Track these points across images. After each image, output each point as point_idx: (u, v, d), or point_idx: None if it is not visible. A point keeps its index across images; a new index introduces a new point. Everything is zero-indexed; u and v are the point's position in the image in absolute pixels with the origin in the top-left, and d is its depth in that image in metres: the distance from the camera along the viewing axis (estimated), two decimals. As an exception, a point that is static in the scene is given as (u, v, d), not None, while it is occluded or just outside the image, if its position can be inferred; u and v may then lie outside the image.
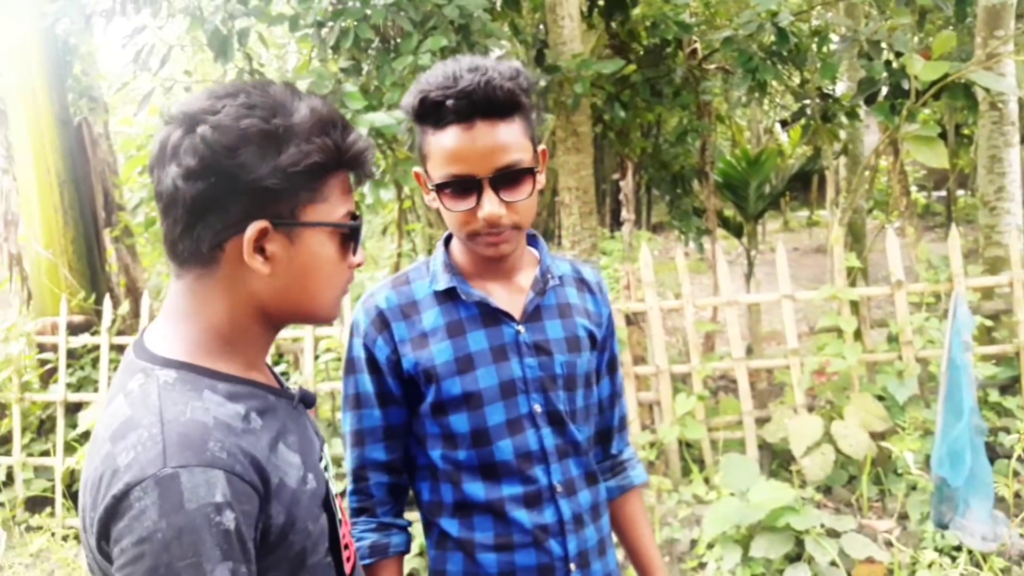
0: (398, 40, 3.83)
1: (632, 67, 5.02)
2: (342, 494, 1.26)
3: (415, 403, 1.34)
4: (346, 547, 1.09)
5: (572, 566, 1.32)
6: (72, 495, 4.46)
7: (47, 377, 4.86)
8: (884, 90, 4.01)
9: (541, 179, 1.26)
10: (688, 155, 6.11)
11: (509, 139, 1.19)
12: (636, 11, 4.68)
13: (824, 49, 4.22)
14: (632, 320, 4.36)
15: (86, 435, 4.52)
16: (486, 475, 1.31)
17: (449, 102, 1.16)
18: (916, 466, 3.34)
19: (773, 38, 3.98)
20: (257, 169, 0.90)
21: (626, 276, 4.52)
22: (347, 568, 1.08)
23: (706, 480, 3.85)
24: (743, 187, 7.25)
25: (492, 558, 1.32)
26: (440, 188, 1.22)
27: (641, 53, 5.20)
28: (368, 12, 3.45)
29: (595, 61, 4.31)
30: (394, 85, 3.52)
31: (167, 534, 0.81)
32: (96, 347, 4.87)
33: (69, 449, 4.53)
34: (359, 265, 1.06)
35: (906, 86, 3.77)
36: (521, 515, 1.31)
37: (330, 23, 3.62)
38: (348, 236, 1.01)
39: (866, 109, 4.14)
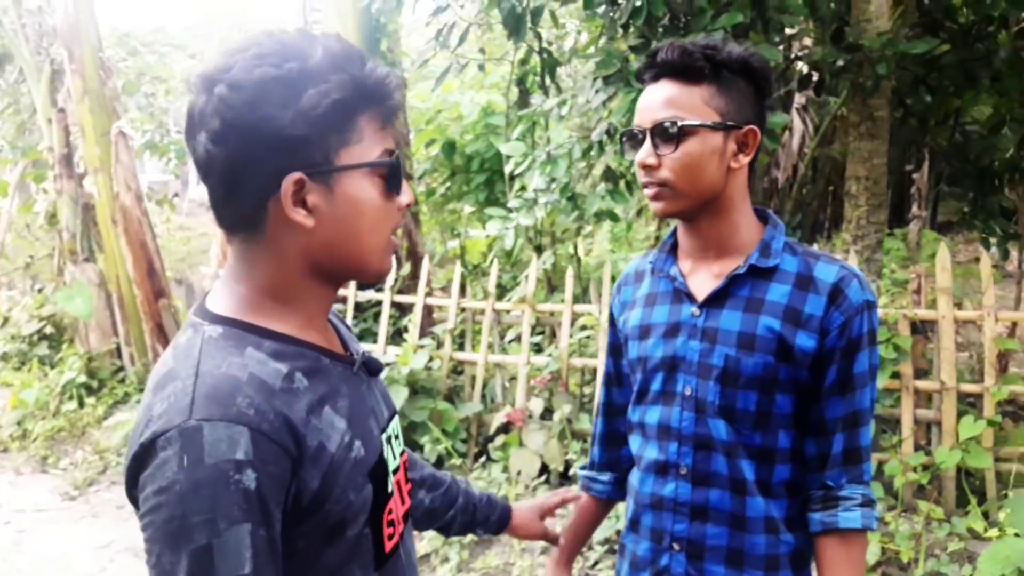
0: (688, 17, 3.74)
1: (945, 47, 4.50)
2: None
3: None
4: (391, 523, 1.04)
5: (676, 546, 1.38)
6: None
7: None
8: None
9: (713, 144, 1.27)
10: (1002, 148, 5.37)
11: (680, 99, 1.26)
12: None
13: None
14: (919, 328, 3.95)
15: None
16: (642, 432, 1.44)
17: (647, 61, 1.31)
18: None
19: None
20: (280, 119, 0.86)
21: (916, 279, 4.10)
22: (387, 545, 1.03)
23: (985, 515, 3.42)
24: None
25: (632, 507, 1.48)
26: (622, 139, 1.37)
27: (961, 32, 4.64)
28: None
29: (903, 40, 3.92)
30: (680, 64, 3.45)
31: (184, 487, 0.80)
32: (379, 302, 5.39)
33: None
34: (408, 206, 1.01)
35: None
36: (649, 479, 1.42)
37: (623, 1, 3.62)
38: (389, 175, 0.96)
39: None
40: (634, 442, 1.48)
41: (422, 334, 4.94)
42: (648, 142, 1.29)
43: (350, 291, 5.16)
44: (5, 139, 8.48)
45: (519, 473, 4.08)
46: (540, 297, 4.67)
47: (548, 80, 4.88)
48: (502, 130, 7.66)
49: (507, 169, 4.52)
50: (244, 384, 0.86)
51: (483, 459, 4.37)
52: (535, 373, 4.47)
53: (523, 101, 4.97)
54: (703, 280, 1.38)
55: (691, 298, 1.37)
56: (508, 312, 4.82)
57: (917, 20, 4.87)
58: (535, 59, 4.92)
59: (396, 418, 1.14)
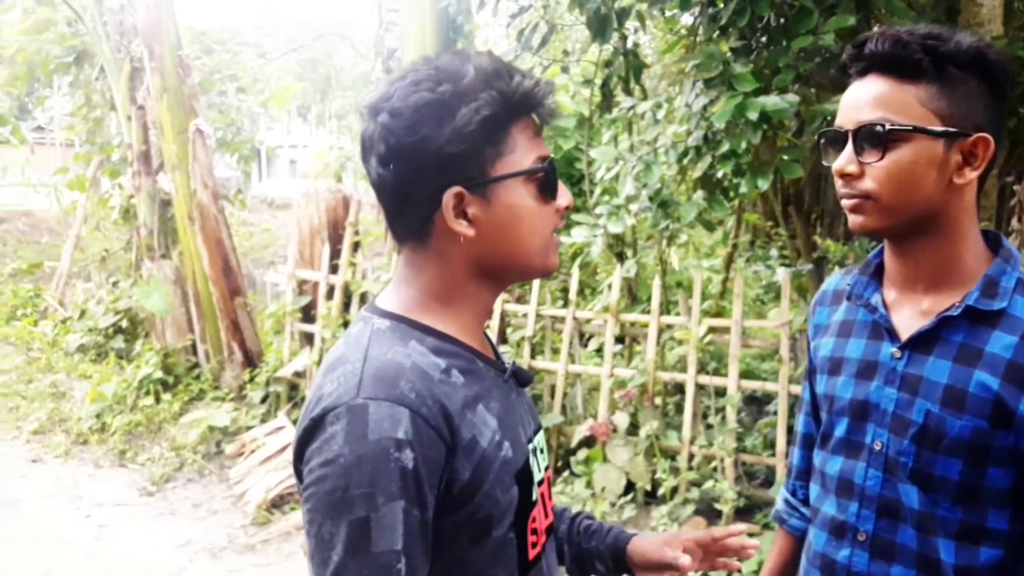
0: (789, 20, 3.56)
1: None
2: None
3: None
4: (534, 532, 1.06)
5: None
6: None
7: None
8: None
9: (931, 154, 1.08)
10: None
11: (892, 98, 1.09)
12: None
13: None
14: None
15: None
16: (821, 482, 1.29)
17: (853, 52, 1.14)
18: None
19: None
20: (437, 139, 0.93)
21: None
22: (531, 553, 1.05)
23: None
24: None
25: (805, 564, 1.32)
26: (819, 142, 1.21)
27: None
28: (770, -12, 3.23)
29: (1021, 46, 3.68)
30: (787, 67, 3.27)
31: (348, 459, 0.86)
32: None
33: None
34: (568, 208, 1.05)
35: None
36: (823, 537, 1.26)
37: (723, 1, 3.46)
38: (543, 181, 1.01)
39: None
40: (812, 490, 1.32)
41: (499, 341, 4.85)
42: (850, 146, 1.12)
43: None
44: (80, 135, 8.66)
45: (603, 489, 3.95)
46: (620, 306, 4.54)
47: (633, 82, 4.73)
48: (570, 133, 7.55)
49: (598, 174, 4.39)
50: (407, 370, 0.93)
51: (566, 473, 4.25)
52: (617, 386, 4.33)
53: (607, 104, 4.83)
54: (909, 316, 1.19)
55: (893, 335, 1.19)
56: (588, 321, 4.69)
57: (1027, 22, 4.59)
58: (620, 61, 4.77)
59: (542, 432, 1.16)
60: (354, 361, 0.94)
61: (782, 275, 4.16)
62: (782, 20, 3.55)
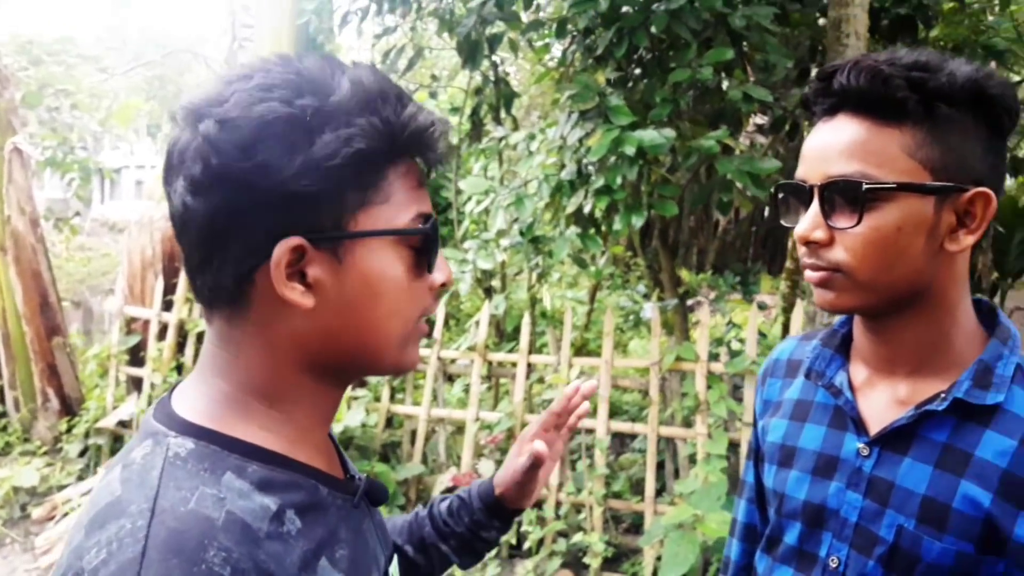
0: (669, 51, 3.46)
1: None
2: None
3: None
4: None
5: None
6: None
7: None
8: None
9: (919, 216, 0.86)
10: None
11: (870, 146, 0.86)
12: (934, 32, 4.06)
13: None
14: None
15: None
16: None
17: (819, 86, 0.91)
18: None
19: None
20: (282, 169, 0.66)
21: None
22: None
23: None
24: (1003, 240, 6.35)
25: None
26: (775, 196, 0.97)
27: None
28: (648, 18, 3.11)
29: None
30: (664, 101, 3.16)
31: None
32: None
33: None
34: (444, 286, 0.79)
35: None
36: None
37: (601, 29, 3.32)
38: (421, 246, 0.75)
39: None
40: None
41: (356, 384, 4.47)
42: (816, 207, 0.89)
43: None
44: None
45: (469, 547, 3.65)
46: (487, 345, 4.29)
47: (504, 112, 4.54)
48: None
49: (467, 207, 4.14)
50: (219, 530, 0.63)
51: (427, 529, 3.91)
52: (483, 429, 4.06)
53: (476, 133, 4.62)
54: (881, 404, 0.97)
55: (859, 427, 0.97)
56: (453, 361, 4.41)
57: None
58: (490, 89, 4.59)
59: (396, 559, 0.90)
60: (135, 514, 0.63)
61: (651, 311, 4.05)
62: (658, 52, 3.46)
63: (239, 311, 0.72)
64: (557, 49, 4.96)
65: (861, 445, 0.96)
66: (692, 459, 3.61)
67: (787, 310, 5.52)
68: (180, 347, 4.77)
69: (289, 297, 0.69)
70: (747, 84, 3.30)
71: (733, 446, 3.54)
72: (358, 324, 0.73)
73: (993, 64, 4.10)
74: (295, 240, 0.68)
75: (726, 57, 3.06)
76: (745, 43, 3.50)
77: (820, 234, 0.89)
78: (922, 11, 4.31)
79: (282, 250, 0.68)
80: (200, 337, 4.73)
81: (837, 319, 1.07)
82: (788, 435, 1.05)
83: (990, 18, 4.30)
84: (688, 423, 3.64)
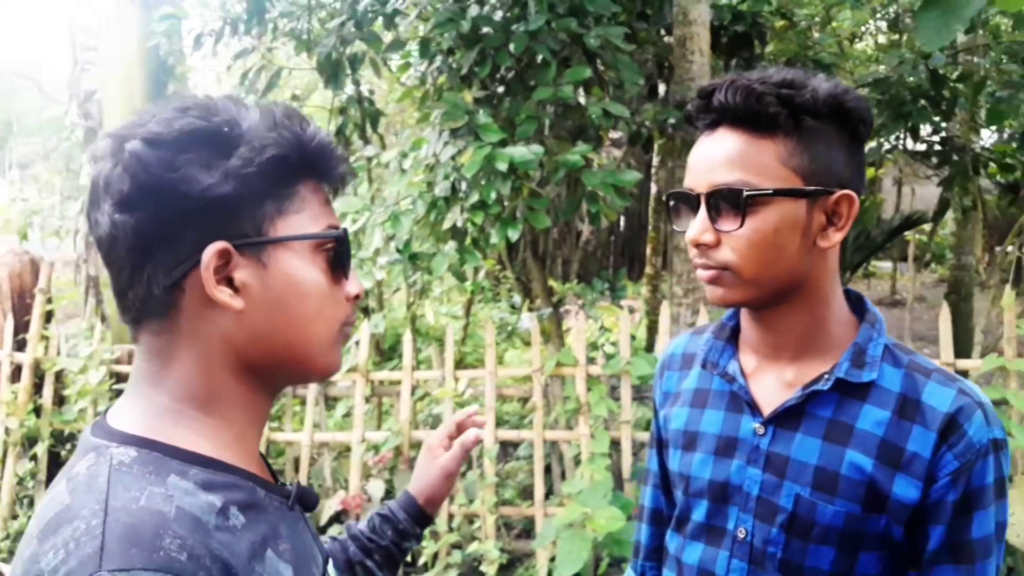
0: (526, 72, 3.61)
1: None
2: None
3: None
4: None
5: None
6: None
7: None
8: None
9: (794, 217, 0.98)
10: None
11: (748, 157, 0.97)
12: (769, 48, 4.43)
13: (980, 96, 3.91)
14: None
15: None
16: (677, 570, 1.16)
17: (700, 103, 1.02)
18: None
19: (923, 81, 3.69)
20: (203, 178, 0.73)
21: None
22: None
23: None
24: (841, 237, 6.93)
25: None
26: (667, 203, 1.09)
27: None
28: (509, 39, 3.23)
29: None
30: (529, 118, 3.29)
31: None
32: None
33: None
34: (357, 297, 0.86)
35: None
36: None
37: (464, 49, 3.41)
38: (335, 253, 0.82)
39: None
40: (668, 572, 1.18)
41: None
42: (703, 213, 0.99)
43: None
44: None
45: (364, 568, 3.62)
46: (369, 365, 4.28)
47: (371, 130, 4.56)
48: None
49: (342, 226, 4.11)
50: (171, 521, 0.67)
51: (319, 555, 3.85)
52: (370, 451, 4.05)
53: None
54: (771, 387, 1.08)
55: (754, 409, 1.08)
56: (334, 383, 4.36)
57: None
58: (355, 108, 4.59)
59: (331, 562, 0.94)
60: (88, 516, 0.66)
61: (529, 321, 4.17)
62: (518, 71, 3.59)
63: (169, 321, 0.76)
64: (418, 68, 5.02)
65: (757, 425, 1.07)
66: (577, 460, 3.75)
67: (650, 313, 5.84)
68: (37, 388, 4.47)
69: (219, 299, 0.74)
70: (605, 101, 3.49)
71: (615, 444, 3.71)
72: (286, 325, 0.78)
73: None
74: (221, 245, 0.74)
75: (585, 76, 3.23)
76: (599, 62, 3.69)
77: (708, 237, 0.99)
78: (757, 29, 4.69)
79: (210, 254, 0.73)
80: (59, 376, 4.46)
81: (725, 314, 1.18)
82: (690, 421, 1.15)
83: (816, 35, 4.73)
84: (570, 426, 3.77)
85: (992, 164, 4.01)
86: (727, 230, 0.98)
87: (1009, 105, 3.50)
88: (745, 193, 0.96)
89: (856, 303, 1.10)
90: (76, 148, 9.10)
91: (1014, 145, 4.01)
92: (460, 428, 1.23)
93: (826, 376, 1.02)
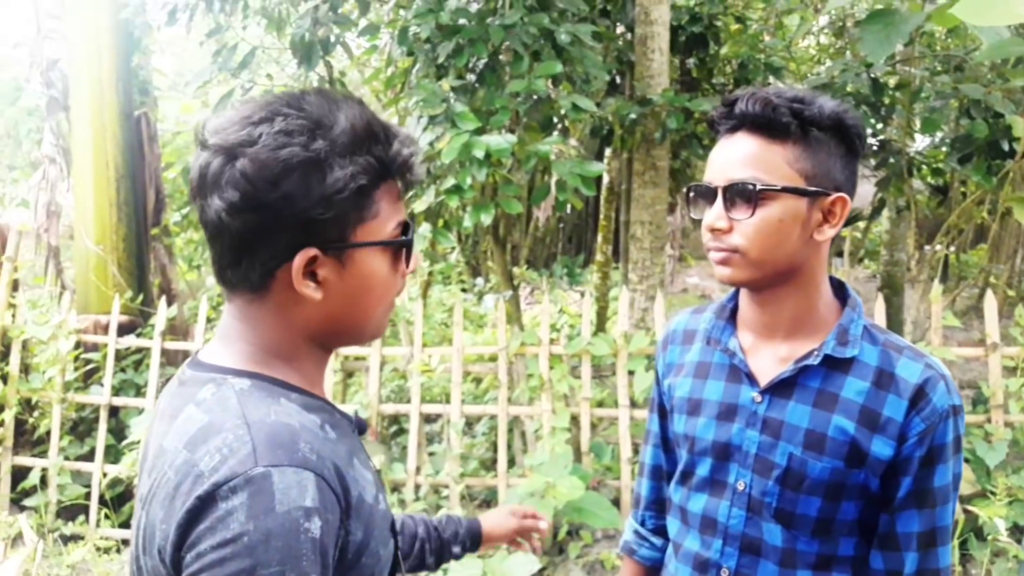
0: (500, 64, 3.77)
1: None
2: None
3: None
4: None
5: None
6: (109, 503, 4.30)
7: (84, 379, 4.70)
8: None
9: (796, 212, 1.14)
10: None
11: (762, 158, 1.14)
12: (724, 50, 4.67)
13: (916, 104, 4.23)
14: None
15: (121, 439, 4.37)
16: (682, 518, 1.33)
17: (724, 110, 1.18)
18: (1005, 533, 3.28)
19: (865, 88, 3.98)
20: (302, 200, 0.87)
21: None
22: None
23: None
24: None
25: None
26: (687, 195, 1.24)
27: (715, 91, 5.20)
28: (486, 32, 3.40)
29: (686, 97, 4.29)
30: (504, 109, 3.46)
31: (254, 537, 0.78)
32: (139, 349, 4.76)
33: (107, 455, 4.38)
34: (412, 272, 1.04)
35: (1005, 147, 3.77)
36: (685, 572, 1.31)
37: (442, 39, 3.56)
38: (401, 247, 0.99)
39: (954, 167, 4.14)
40: (672, 525, 1.35)
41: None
42: (720, 203, 1.15)
43: (111, 337, 4.49)
44: None
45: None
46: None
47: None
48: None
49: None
50: (299, 431, 0.85)
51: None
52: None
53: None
54: (767, 361, 1.23)
55: (752, 380, 1.23)
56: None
57: (678, 78, 5.39)
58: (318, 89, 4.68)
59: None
60: (232, 427, 0.84)
61: (493, 301, 4.35)
62: (492, 63, 3.75)
63: (259, 296, 0.93)
64: (383, 52, 5.12)
65: (755, 394, 1.22)
66: (538, 435, 3.96)
67: (599, 299, 6.07)
68: (3, 355, 4.48)
69: (304, 292, 0.91)
70: (574, 95, 3.68)
71: (574, 419, 3.93)
72: (354, 310, 0.96)
73: (772, 79, 4.80)
74: (312, 251, 0.90)
75: (556, 71, 3.41)
76: (567, 57, 3.88)
77: (723, 223, 1.15)
78: (713, 30, 4.94)
79: (301, 259, 0.89)
80: (25, 345, 4.48)
81: (725, 296, 1.35)
82: (694, 389, 1.31)
83: (767, 38, 4.99)
84: (531, 401, 3.98)
85: (924, 168, 4.34)
86: (739, 218, 1.15)
87: (941, 114, 3.81)
88: (757, 187, 1.12)
89: (838, 289, 1.26)
90: (23, 114, 8.84)
91: (944, 151, 4.35)
92: (527, 515, 1.52)
93: (815, 352, 1.18)
